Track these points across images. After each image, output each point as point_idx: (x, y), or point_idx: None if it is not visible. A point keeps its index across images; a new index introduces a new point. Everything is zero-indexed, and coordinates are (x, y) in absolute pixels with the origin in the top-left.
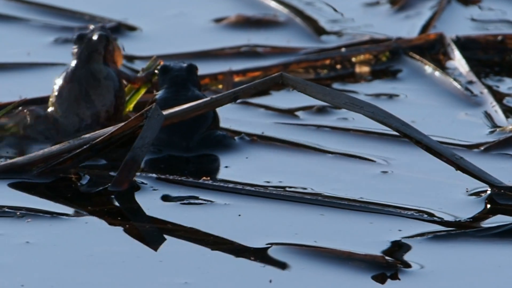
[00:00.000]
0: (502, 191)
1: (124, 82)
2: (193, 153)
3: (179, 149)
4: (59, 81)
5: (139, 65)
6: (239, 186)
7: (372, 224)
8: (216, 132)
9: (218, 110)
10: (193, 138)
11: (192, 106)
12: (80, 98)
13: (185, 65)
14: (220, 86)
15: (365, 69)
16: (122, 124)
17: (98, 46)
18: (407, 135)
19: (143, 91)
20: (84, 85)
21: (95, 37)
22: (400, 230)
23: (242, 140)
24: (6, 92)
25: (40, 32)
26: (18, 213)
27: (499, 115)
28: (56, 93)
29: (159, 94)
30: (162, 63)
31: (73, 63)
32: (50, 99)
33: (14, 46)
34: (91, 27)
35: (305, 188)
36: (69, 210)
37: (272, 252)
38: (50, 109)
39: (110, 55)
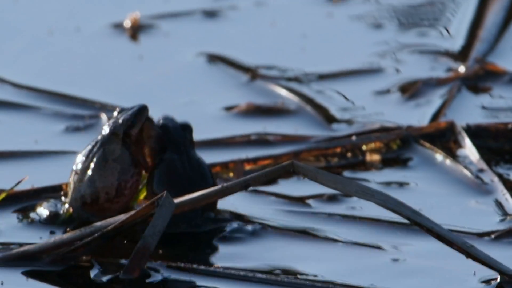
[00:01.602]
0: None
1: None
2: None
3: (189, 226)
4: (79, 157)
5: None
6: (250, 274)
7: None
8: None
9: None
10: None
11: (204, 195)
12: (85, 176)
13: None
14: (231, 174)
15: (376, 157)
16: (133, 212)
17: (118, 129)
18: (418, 223)
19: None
20: (93, 164)
21: (120, 120)
22: None
23: (254, 228)
24: (15, 181)
25: (51, 120)
26: None
27: (509, 203)
28: (73, 167)
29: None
30: None
31: (96, 140)
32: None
33: (23, 134)
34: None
35: (316, 276)
36: None
37: None
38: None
39: (133, 138)
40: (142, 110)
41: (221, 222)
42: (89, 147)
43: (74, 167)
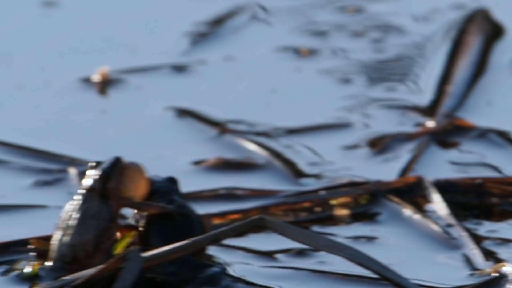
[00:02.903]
0: None
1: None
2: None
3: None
4: (60, 217)
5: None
6: None
7: None
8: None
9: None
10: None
11: (173, 249)
12: (65, 236)
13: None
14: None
15: (344, 212)
16: (103, 266)
17: (95, 185)
18: (386, 278)
19: (127, 239)
20: (71, 222)
21: (94, 176)
22: None
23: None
24: None
25: (19, 174)
26: None
27: (478, 258)
28: (55, 227)
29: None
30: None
31: (75, 199)
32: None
33: None
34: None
35: None
36: None
37: None
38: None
39: (112, 191)
40: (116, 162)
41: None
42: (69, 206)
43: (55, 228)
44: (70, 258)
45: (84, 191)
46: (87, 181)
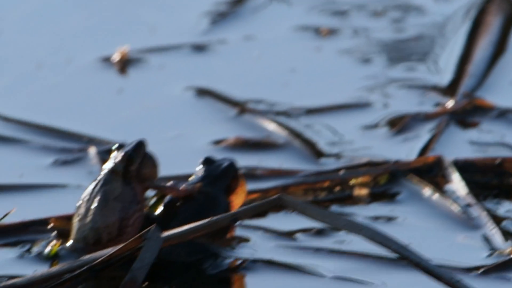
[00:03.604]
0: None
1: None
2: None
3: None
4: (81, 197)
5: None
6: None
7: None
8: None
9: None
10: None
11: (191, 228)
12: (87, 217)
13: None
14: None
15: (364, 191)
16: (121, 245)
17: (117, 167)
18: (405, 258)
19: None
20: (94, 204)
21: (118, 157)
22: None
23: (242, 262)
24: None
25: (39, 154)
26: None
27: (497, 238)
28: (76, 210)
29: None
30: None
31: (98, 179)
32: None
33: (10, 168)
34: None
35: None
36: None
37: None
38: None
39: (134, 174)
40: (140, 145)
41: (209, 254)
42: (91, 186)
43: (76, 208)
44: (92, 240)
45: (106, 173)
46: (110, 163)
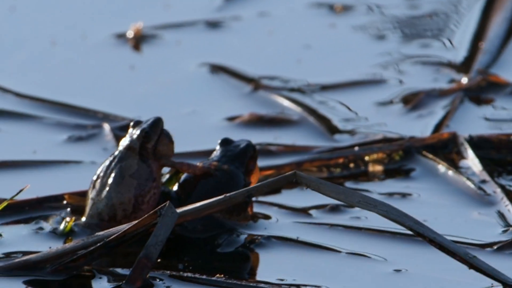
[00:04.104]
0: None
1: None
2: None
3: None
4: (97, 173)
5: None
6: (252, 284)
7: None
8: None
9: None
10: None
11: (206, 204)
12: (102, 193)
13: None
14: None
15: (378, 168)
16: (136, 221)
17: (134, 144)
18: (420, 234)
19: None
20: (110, 180)
21: (135, 134)
22: None
23: (257, 238)
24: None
25: (53, 130)
26: None
27: None
28: (91, 186)
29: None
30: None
31: (113, 155)
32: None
33: (25, 144)
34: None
35: (318, 287)
36: None
37: None
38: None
39: (151, 151)
40: (157, 122)
41: (224, 230)
42: (107, 162)
43: (91, 183)
44: (107, 216)
45: (122, 149)
46: (126, 140)
